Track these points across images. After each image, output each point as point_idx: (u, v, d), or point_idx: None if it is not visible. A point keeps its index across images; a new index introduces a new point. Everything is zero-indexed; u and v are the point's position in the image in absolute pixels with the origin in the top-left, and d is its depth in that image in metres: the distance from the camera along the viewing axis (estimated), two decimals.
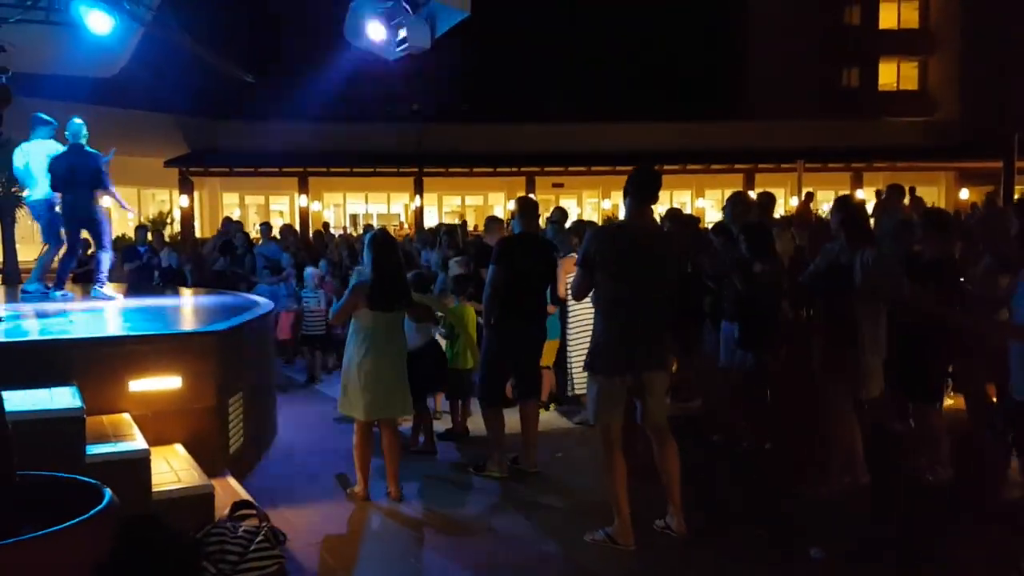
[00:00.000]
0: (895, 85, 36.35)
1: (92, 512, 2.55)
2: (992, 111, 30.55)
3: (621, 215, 5.17)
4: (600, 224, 5.92)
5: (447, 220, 27.69)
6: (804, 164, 19.87)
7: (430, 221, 27.85)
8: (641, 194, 4.43)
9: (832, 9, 35.62)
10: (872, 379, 5.02)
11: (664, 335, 4.48)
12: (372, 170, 28.07)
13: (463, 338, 6.55)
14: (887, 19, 36.27)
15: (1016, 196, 15.69)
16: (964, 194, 28.46)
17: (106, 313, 6.53)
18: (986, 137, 25.63)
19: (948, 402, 6.28)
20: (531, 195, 27.06)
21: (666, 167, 26.84)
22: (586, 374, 4.56)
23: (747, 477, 5.56)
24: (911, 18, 36.36)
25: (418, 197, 28.04)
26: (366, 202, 31.39)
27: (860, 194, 27.90)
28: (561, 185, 29.73)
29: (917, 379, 5.24)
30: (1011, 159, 16.55)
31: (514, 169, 28.25)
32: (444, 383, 6.55)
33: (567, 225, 8.14)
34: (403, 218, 30.41)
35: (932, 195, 30.52)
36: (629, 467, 4.37)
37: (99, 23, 6.55)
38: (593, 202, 30.52)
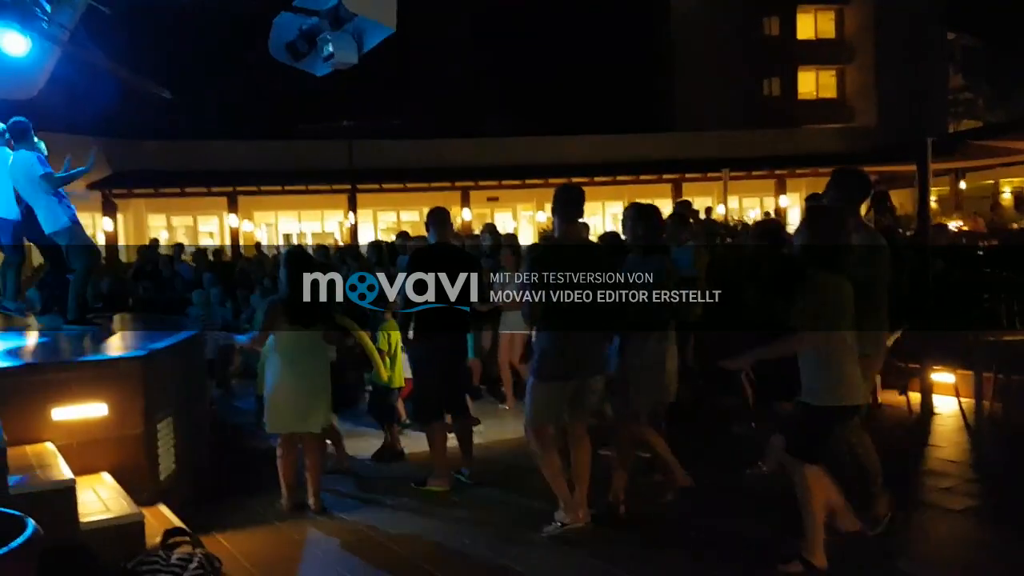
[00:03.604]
0: (814, 94, 37.64)
1: (14, 544, 2.49)
2: (906, 116, 31.89)
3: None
4: (533, 245, 6.12)
5: (382, 236, 27.50)
6: (729, 173, 20.33)
7: (366, 238, 27.62)
8: (570, 212, 4.67)
9: (752, 21, 36.74)
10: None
11: (603, 342, 4.74)
12: (304, 188, 27.72)
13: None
14: (804, 30, 37.59)
15: (932, 197, 16.38)
16: None
17: (28, 340, 6.32)
18: (901, 141, 26.65)
19: None
20: (454, 207, 27.26)
21: (597, 179, 27.25)
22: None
23: None
24: (828, 28, 37.73)
25: (352, 214, 27.79)
26: (299, 220, 30.96)
27: (784, 200, 28.78)
28: (496, 199, 29.84)
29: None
30: (925, 162, 17.25)
31: (448, 184, 28.24)
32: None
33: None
34: (338, 236, 30.08)
35: None
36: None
37: (14, 44, 6.37)
38: (528, 215, 30.71)
